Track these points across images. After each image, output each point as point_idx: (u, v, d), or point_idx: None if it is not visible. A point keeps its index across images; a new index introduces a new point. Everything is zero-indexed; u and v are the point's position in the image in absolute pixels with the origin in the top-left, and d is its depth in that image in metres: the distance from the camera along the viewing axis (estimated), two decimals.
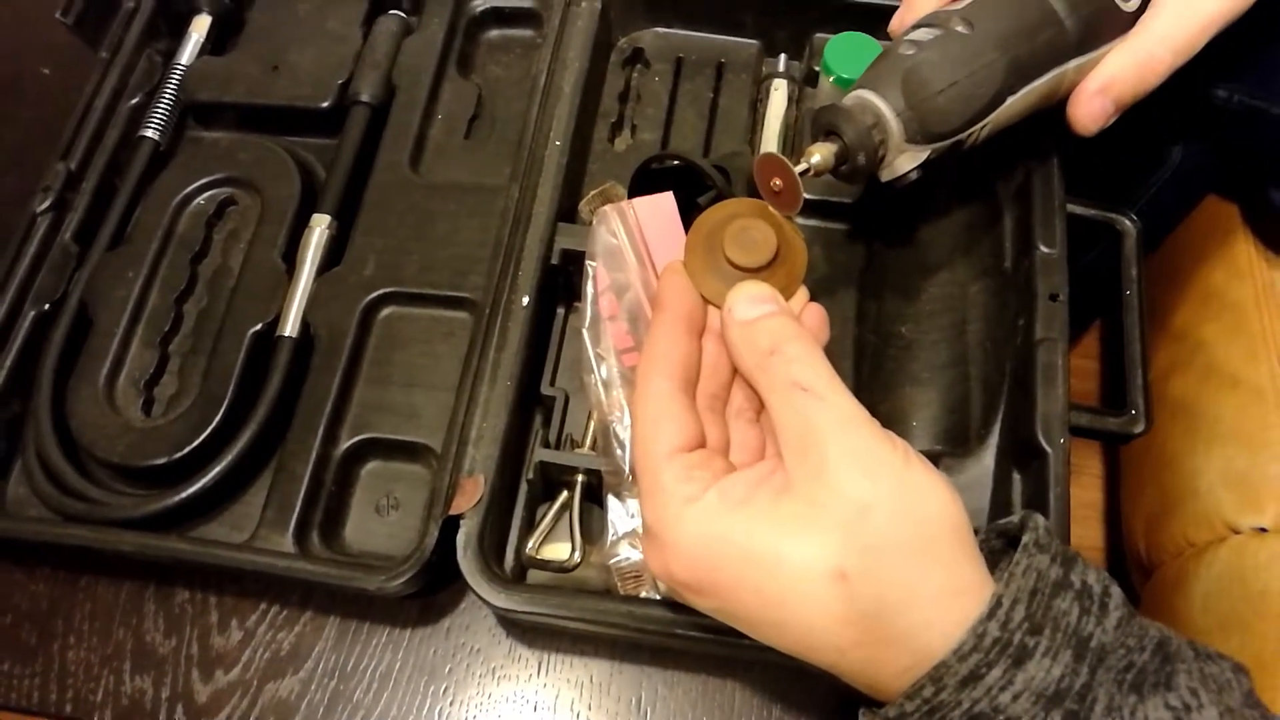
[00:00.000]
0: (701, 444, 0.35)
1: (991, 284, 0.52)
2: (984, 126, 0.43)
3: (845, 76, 0.55)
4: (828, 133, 0.41)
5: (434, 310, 0.55)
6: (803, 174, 0.37)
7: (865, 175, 0.41)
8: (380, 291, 0.55)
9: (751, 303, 0.36)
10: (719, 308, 0.37)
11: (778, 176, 0.37)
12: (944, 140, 0.42)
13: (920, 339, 0.52)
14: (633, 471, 0.43)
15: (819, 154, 0.39)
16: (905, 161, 0.42)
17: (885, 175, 0.43)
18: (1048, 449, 0.45)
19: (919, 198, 0.46)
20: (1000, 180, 0.53)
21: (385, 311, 0.55)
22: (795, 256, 0.38)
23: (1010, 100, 0.42)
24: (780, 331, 0.35)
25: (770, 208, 0.38)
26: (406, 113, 0.60)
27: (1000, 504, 0.48)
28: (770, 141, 0.58)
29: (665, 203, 0.46)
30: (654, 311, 0.38)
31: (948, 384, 0.51)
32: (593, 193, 0.55)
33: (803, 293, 0.38)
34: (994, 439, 0.49)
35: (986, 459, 0.49)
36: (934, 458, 0.49)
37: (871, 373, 0.52)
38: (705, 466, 0.33)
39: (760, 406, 0.37)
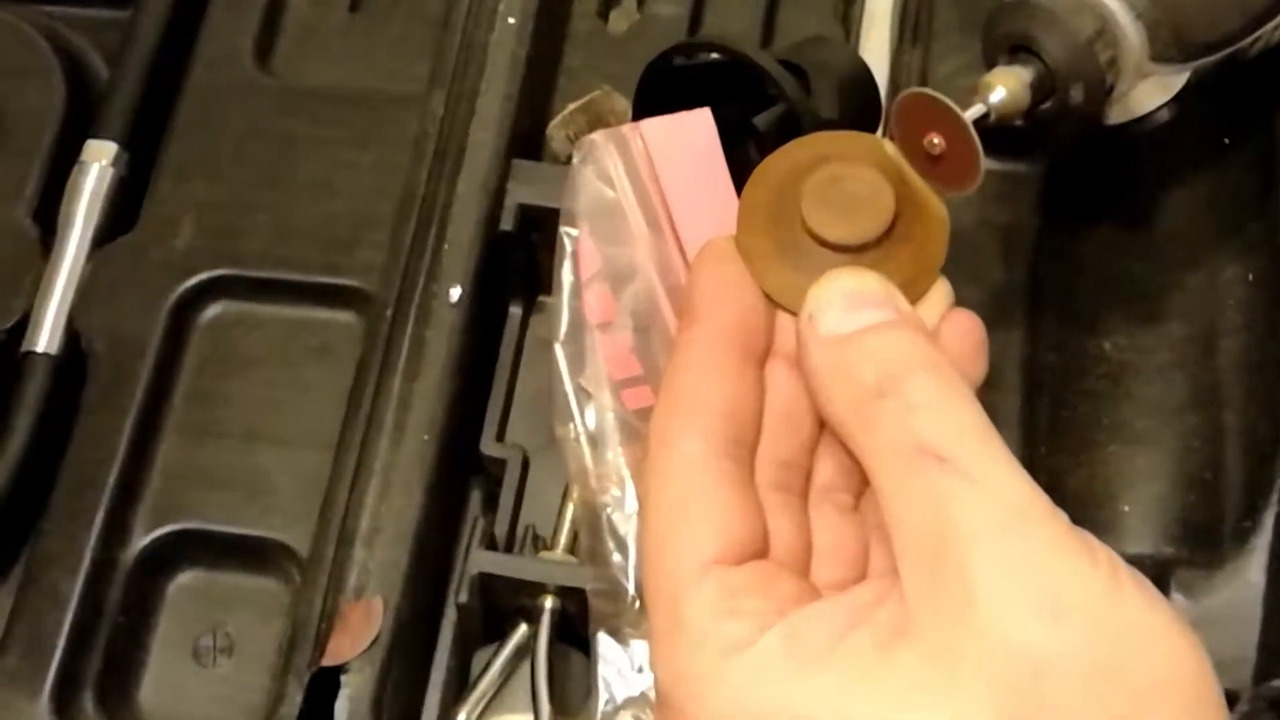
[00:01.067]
0: (760, 550, 0.29)
1: (1262, 271, 0.43)
2: (1278, 26, 0.37)
3: None
4: (1014, 48, 0.35)
5: (296, 309, 0.44)
6: (978, 121, 0.31)
7: (1083, 119, 0.36)
8: (203, 276, 0.44)
9: (850, 306, 0.30)
10: (794, 314, 0.31)
11: (937, 130, 0.30)
12: (1212, 54, 0.36)
13: (1135, 361, 0.43)
14: (640, 594, 0.36)
15: (1004, 85, 0.33)
16: (1149, 94, 0.39)
17: (1116, 116, 0.39)
18: None
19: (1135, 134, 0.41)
20: (1278, 107, 0.44)
21: (212, 310, 0.45)
22: (928, 228, 0.31)
23: None
24: (900, 357, 0.28)
25: (887, 147, 0.32)
26: None
27: (1276, 647, 0.38)
28: (881, 19, 0.45)
29: (697, 125, 0.37)
30: (682, 321, 0.32)
31: (1184, 440, 0.42)
32: (573, 106, 0.46)
33: (943, 291, 0.32)
34: (1264, 537, 0.39)
35: (1251, 571, 0.39)
36: (1160, 568, 0.40)
37: (1051, 421, 0.43)
38: (762, 591, 0.27)
39: (863, 484, 0.31)
